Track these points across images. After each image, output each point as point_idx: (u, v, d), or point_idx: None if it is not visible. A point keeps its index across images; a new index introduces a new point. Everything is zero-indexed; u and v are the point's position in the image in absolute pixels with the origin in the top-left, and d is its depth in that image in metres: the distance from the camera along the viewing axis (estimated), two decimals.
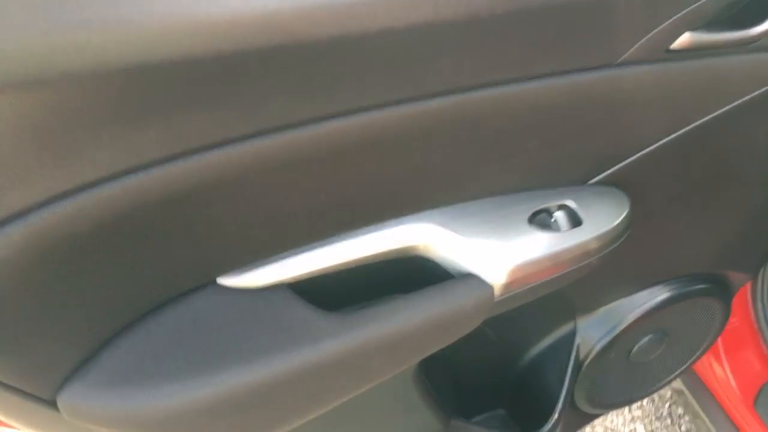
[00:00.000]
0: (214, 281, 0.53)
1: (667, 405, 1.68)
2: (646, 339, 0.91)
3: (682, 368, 1.01)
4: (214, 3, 0.34)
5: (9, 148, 0.34)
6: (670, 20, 0.48)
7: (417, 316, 0.55)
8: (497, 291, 0.57)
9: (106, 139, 0.37)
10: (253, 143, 0.43)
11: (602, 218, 0.62)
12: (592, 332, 0.85)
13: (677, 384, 1.33)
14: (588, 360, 0.86)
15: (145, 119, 0.37)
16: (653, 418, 1.65)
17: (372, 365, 0.56)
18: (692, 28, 0.51)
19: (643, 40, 0.50)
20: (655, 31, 0.49)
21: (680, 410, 1.65)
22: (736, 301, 1.17)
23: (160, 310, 0.51)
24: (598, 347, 0.85)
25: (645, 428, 1.63)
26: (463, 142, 0.53)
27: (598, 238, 0.61)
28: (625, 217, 0.63)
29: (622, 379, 0.97)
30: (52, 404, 0.47)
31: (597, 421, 1.65)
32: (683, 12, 0.48)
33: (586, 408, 0.94)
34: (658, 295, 0.84)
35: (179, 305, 0.51)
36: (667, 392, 1.69)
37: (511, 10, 0.43)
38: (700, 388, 1.25)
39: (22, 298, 0.40)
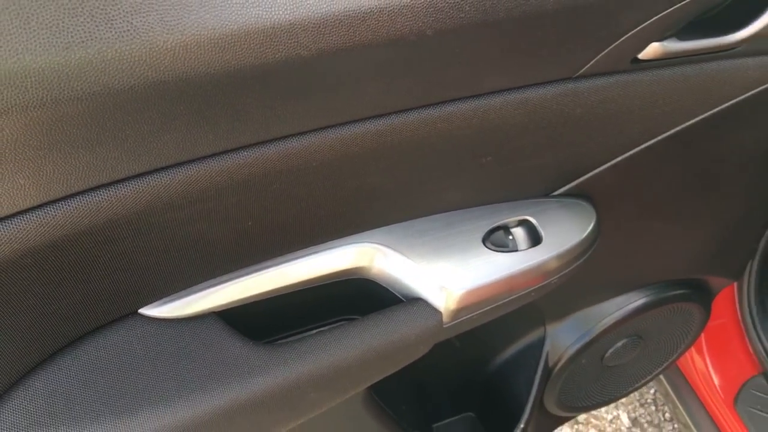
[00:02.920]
0: (136, 311, 0.49)
1: (651, 391, 1.66)
2: (620, 343, 0.87)
3: (659, 370, 0.98)
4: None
5: None
6: (630, 32, 0.43)
7: (357, 347, 0.51)
8: (446, 317, 0.54)
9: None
10: (169, 172, 0.39)
11: (565, 234, 0.58)
12: (562, 339, 0.82)
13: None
14: (558, 366, 0.83)
15: (66, 151, 0.33)
16: (637, 404, 1.64)
17: (308, 399, 0.52)
18: (659, 39, 0.46)
19: (605, 52, 0.45)
20: (617, 43, 0.44)
21: (661, 397, 1.64)
22: (722, 300, 1.13)
23: (76, 344, 0.47)
24: (568, 353, 0.82)
25: (628, 415, 1.62)
26: (411, 159, 0.48)
27: (559, 256, 0.57)
28: (590, 232, 0.59)
29: (595, 382, 0.94)
30: None
31: None
32: (646, 23, 0.43)
33: (555, 411, 0.92)
34: (633, 301, 0.81)
35: (97, 338, 0.48)
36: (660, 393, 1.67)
37: (448, 29, 0.38)
38: (682, 384, 1.22)
39: None
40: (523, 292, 0.57)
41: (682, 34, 0.47)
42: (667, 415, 1.61)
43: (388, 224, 0.54)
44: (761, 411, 1.09)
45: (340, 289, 0.54)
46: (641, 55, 0.47)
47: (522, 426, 0.83)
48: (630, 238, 0.70)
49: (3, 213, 0.35)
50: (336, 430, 0.69)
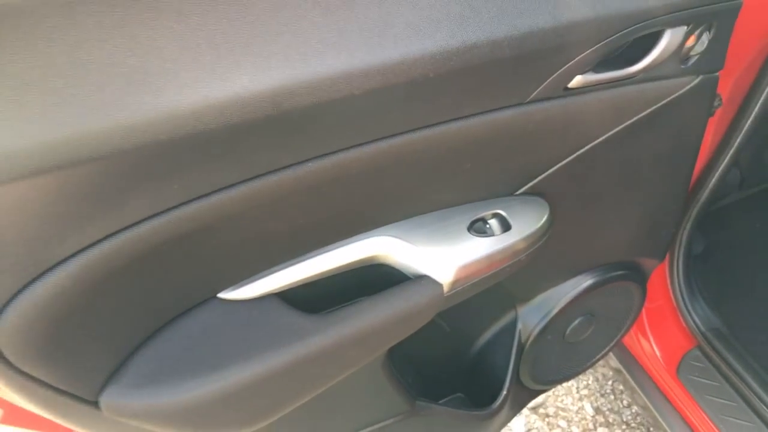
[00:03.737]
0: (215, 296, 0.64)
1: (609, 383, 1.85)
2: (577, 321, 1.06)
3: (611, 345, 1.17)
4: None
5: (74, 205, 0.46)
6: (561, 69, 0.63)
7: (382, 313, 0.68)
8: (446, 288, 0.71)
9: (139, 193, 0.48)
10: (246, 186, 0.55)
11: (528, 223, 0.76)
12: (530, 318, 1.00)
13: (616, 364, 1.50)
14: (529, 342, 1.00)
15: (168, 178, 0.49)
16: (598, 395, 1.82)
17: (347, 355, 0.68)
18: (581, 72, 0.65)
19: (545, 83, 0.64)
20: (553, 76, 0.63)
21: (621, 386, 1.83)
22: (658, 284, 1.34)
23: (174, 322, 0.62)
24: (536, 330, 0.99)
25: (591, 405, 1.80)
26: (413, 168, 0.66)
27: (525, 239, 0.75)
28: (545, 221, 0.77)
29: (560, 357, 1.11)
30: (95, 404, 0.58)
31: (549, 402, 1.81)
32: (570, 63, 0.62)
33: (530, 384, 1.09)
34: (584, 282, 0.99)
35: (189, 317, 0.63)
36: (609, 372, 1.87)
37: (442, 72, 0.56)
38: (633, 363, 1.42)
39: (75, 319, 0.51)
40: (500, 268, 0.75)
41: (597, 68, 0.67)
42: (626, 402, 1.80)
43: (397, 221, 0.71)
44: (699, 377, 1.29)
45: (362, 272, 0.71)
46: (570, 85, 0.66)
47: (504, 393, 0.99)
48: (576, 227, 0.89)
49: (130, 221, 0.50)
50: (360, 390, 0.83)
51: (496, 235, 0.74)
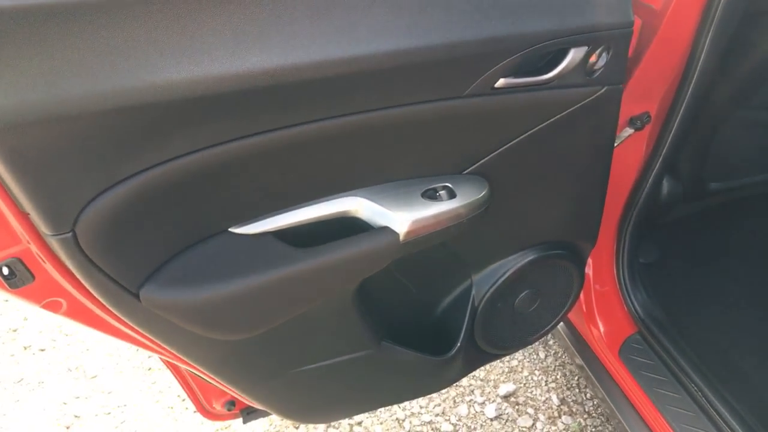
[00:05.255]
0: (227, 230, 0.87)
1: (575, 378, 2.04)
2: (524, 293, 1.26)
3: (557, 319, 1.37)
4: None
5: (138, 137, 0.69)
6: (489, 72, 0.86)
7: (351, 251, 0.90)
8: (402, 237, 0.92)
9: (183, 134, 0.72)
10: (251, 140, 0.78)
11: (469, 194, 0.98)
12: (482, 285, 1.21)
13: (581, 362, 1.69)
14: (480, 306, 1.21)
15: (200, 127, 0.72)
16: (564, 388, 2.01)
17: (324, 280, 0.90)
18: (505, 76, 0.88)
19: (476, 82, 0.87)
20: (482, 77, 0.86)
21: (585, 381, 2.02)
22: (605, 271, 1.55)
23: (197, 245, 0.85)
24: (487, 296, 1.20)
25: (558, 396, 1.98)
26: (377, 141, 0.88)
27: (466, 206, 0.97)
28: (484, 194, 0.99)
29: (512, 325, 1.32)
30: (136, 296, 0.80)
31: (519, 392, 1.99)
32: (495, 68, 0.85)
33: (485, 346, 1.29)
34: (526, 257, 1.21)
35: (208, 242, 0.85)
36: (575, 369, 2.06)
37: (395, 66, 0.79)
38: (584, 347, 1.62)
39: (128, 226, 0.74)
40: (445, 227, 0.96)
41: (519, 74, 0.90)
42: (588, 395, 1.98)
43: (367, 186, 0.94)
44: (637, 357, 1.49)
45: (339, 222, 0.93)
46: (496, 85, 0.89)
47: (458, 345, 1.20)
48: (516, 207, 1.11)
49: (161, 159, 0.73)
50: (333, 322, 1.05)
51: (444, 200, 0.97)
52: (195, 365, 0.96)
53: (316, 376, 1.10)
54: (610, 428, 1.88)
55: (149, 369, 2.18)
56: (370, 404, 1.27)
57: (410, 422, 1.93)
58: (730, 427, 1.29)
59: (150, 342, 0.90)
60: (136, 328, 0.85)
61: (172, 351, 0.92)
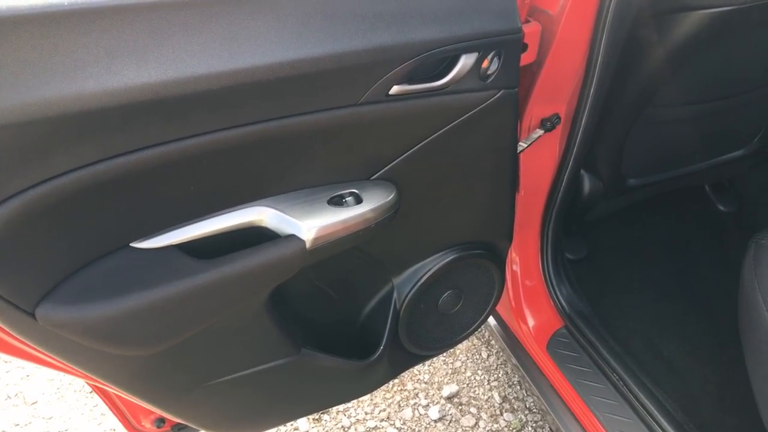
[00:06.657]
0: (128, 245, 0.87)
1: (516, 376, 2.08)
2: (446, 294, 1.29)
3: (481, 319, 1.40)
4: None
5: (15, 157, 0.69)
6: (381, 80, 0.88)
7: (256, 260, 0.91)
8: (308, 244, 0.94)
9: (66, 151, 0.72)
10: (142, 154, 0.78)
11: (376, 199, 1.01)
12: (403, 288, 1.23)
13: (515, 361, 1.73)
14: (403, 308, 1.23)
15: (83, 142, 0.73)
16: (506, 386, 2.05)
17: (230, 291, 0.91)
18: (398, 83, 0.91)
19: (370, 90, 0.89)
20: (375, 85, 0.89)
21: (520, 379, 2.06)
22: (531, 268, 1.59)
23: (96, 261, 0.85)
24: (408, 298, 1.23)
25: (499, 394, 2.02)
26: (278, 154, 0.90)
27: (373, 210, 0.99)
28: (392, 198, 1.02)
29: (436, 326, 1.35)
30: (32, 315, 0.80)
31: (462, 392, 2.03)
32: (386, 75, 0.88)
33: (411, 348, 1.31)
34: (445, 258, 1.23)
35: (108, 258, 0.86)
36: (514, 369, 2.10)
37: (285, 76, 0.81)
38: (516, 343, 1.66)
39: (19, 243, 0.74)
40: (353, 232, 0.98)
41: (412, 81, 0.93)
42: (526, 390, 2.02)
43: (272, 195, 0.96)
44: (563, 350, 1.53)
45: (246, 232, 0.94)
46: (390, 92, 0.91)
47: (381, 349, 1.22)
48: (428, 209, 1.13)
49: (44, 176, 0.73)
50: (247, 331, 1.05)
51: (350, 206, 0.99)
52: (105, 383, 0.96)
53: (237, 387, 1.10)
54: (548, 422, 1.92)
55: (90, 392, 2.14)
56: (296, 412, 1.28)
57: (355, 429, 1.94)
58: (649, 413, 1.34)
59: (55, 361, 0.90)
60: (36, 347, 0.85)
61: (79, 370, 0.91)
